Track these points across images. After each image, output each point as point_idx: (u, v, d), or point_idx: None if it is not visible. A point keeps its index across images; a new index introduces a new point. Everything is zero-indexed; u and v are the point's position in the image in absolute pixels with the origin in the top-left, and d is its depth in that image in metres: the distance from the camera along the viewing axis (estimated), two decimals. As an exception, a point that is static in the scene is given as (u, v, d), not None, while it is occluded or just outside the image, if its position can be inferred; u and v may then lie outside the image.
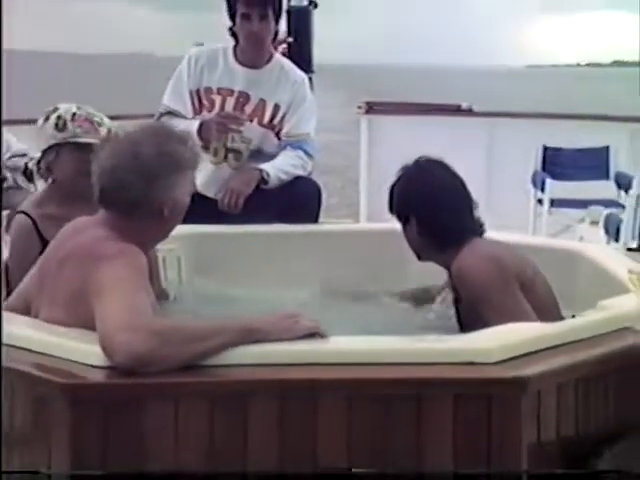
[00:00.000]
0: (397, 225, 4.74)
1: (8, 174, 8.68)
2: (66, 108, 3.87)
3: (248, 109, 4.97)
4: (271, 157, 4.99)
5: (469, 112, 9.93)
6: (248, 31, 4.91)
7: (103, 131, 3.78)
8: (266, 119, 5.00)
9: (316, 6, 9.60)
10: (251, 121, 4.97)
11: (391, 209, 3.75)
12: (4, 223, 7.87)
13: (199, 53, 5.10)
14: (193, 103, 5.00)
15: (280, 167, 4.91)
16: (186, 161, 3.16)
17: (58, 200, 3.82)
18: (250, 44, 4.97)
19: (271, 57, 5.10)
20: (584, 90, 57.63)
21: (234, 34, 5.01)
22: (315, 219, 4.94)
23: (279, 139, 5.03)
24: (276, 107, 5.01)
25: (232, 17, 4.97)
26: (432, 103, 10.94)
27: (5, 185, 8.68)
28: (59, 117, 3.83)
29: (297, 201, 4.85)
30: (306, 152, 5.01)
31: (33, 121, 9.61)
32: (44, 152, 3.87)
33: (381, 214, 8.78)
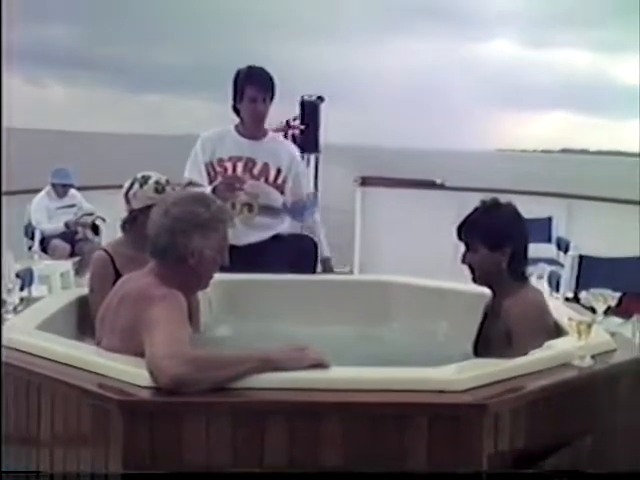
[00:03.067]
0: (385, 277, 4.78)
1: (79, 229, 8.75)
2: (158, 176, 3.90)
3: (255, 171, 5.03)
4: (276, 211, 5.09)
5: (442, 187, 9.99)
6: (254, 110, 4.99)
7: None
8: (271, 178, 5.05)
9: (323, 100, 9.69)
10: (258, 179, 5.02)
11: (470, 235, 3.53)
12: (75, 268, 7.93)
13: (209, 135, 5.14)
14: (209, 173, 5.02)
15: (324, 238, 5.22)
16: (205, 220, 3.11)
17: (133, 246, 3.76)
18: (253, 120, 5.04)
19: (266, 132, 5.18)
20: (538, 171, 57.89)
21: (237, 111, 5.07)
22: (313, 269, 5.01)
23: (282, 194, 5.09)
24: (278, 170, 5.06)
25: (235, 97, 5.03)
26: (413, 179, 11.00)
27: (77, 237, 8.76)
28: (157, 182, 3.85)
29: (301, 254, 4.96)
30: (316, 213, 5.25)
31: (102, 187, 9.69)
32: (138, 210, 3.82)
33: (369, 264, 8.83)
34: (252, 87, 4.96)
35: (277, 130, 7.33)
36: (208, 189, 4.84)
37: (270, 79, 5.04)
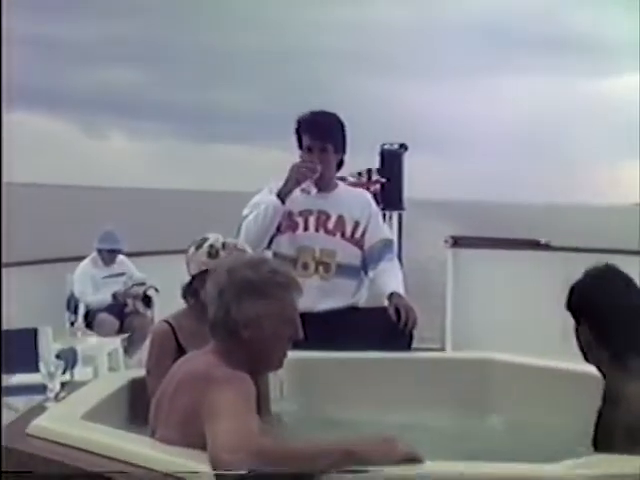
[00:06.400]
0: (483, 354, 4.73)
1: (129, 300, 8.84)
2: (216, 237, 3.96)
3: (330, 225, 5.11)
4: (356, 270, 5.15)
5: (547, 247, 9.87)
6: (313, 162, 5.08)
7: None
8: (348, 233, 5.12)
9: (406, 149, 9.70)
10: (334, 234, 5.09)
11: (585, 308, 3.43)
12: (124, 346, 8.04)
13: (279, 185, 5.18)
14: (277, 228, 5.10)
15: (400, 284, 5.07)
16: (254, 285, 3.09)
17: (197, 318, 3.79)
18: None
19: (337, 184, 5.31)
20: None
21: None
22: (408, 346, 4.89)
23: (361, 250, 5.15)
24: (356, 223, 5.14)
25: (300, 145, 5.17)
26: (512, 238, 10.93)
27: (126, 310, 8.85)
28: (211, 246, 3.92)
29: (391, 327, 4.82)
30: (399, 260, 5.30)
31: (157, 253, 9.84)
32: (194, 276, 3.93)
33: (463, 339, 8.74)
34: (308, 135, 5.11)
35: (354, 185, 7.39)
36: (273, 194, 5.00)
37: (331, 126, 5.15)
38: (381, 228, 5.31)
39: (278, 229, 5.08)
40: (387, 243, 5.24)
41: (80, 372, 6.13)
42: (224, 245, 3.93)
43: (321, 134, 5.09)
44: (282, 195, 5.02)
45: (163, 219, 44.01)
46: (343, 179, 7.68)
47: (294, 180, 5.03)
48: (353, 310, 5.11)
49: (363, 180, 9.05)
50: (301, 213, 5.11)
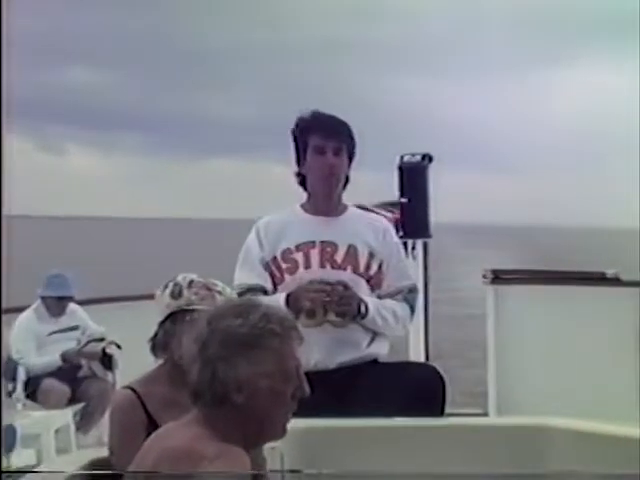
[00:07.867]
0: (536, 419, 4.72)
1: (83, 362, 8.77)
2: (184, 276, 4.00)
3: (338, 258, 5.08)
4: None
5: (615, 281, 9.79)
6: (322, 164, 5.06)
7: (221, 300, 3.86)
8: (361, 267, 5.10)
9: (431, 160, 9.64)
10: (344, 269, 5.06)
11: None
12: (75, 421, 8.00)
13: (267, 221, 5.24)
14: (272, 273, 5.08)
15: (383, 309, 5.06)
16: (243, 337, 3.07)
17: (170, 379, 3.86)
18: (324, 182, 5.12)
19: (346, 207, 5.27)
20: None
21: (302, 179, 5.18)
22: (442, 410, 4.88)
23: (378, 288, 5.17)
24: (371, 255, 5.13)
25: (298, 157, 5.16)
26: (569, 270, 10.87)
27: (80, 374, 8.77)
28: (176, 284, 3.96)
29: (418, 391, 4.84)
30: (412, 309, 5.21)
31: (111, 299, 9.79)
32: (160, 325, 3.96)
33: (510, 398, 8.71)
34: (318, 134, 5.07)
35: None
36: (280, 299, 4.88)
37: (344, 126, 5.14)
38: (403, 270, 5.29)
39: (273, 280, 5.09)
40: (410, 292, 5.24)
41: (20, 456, 6.10)
42: (191, 283, 3.94)
43: (335, 132, 5.07)
44: None
45: (131, 256, 44.17)
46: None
47: (301, 309, 4.92)
48: (372, 365, 5.08)
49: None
50: (299, 247, 5.08)
